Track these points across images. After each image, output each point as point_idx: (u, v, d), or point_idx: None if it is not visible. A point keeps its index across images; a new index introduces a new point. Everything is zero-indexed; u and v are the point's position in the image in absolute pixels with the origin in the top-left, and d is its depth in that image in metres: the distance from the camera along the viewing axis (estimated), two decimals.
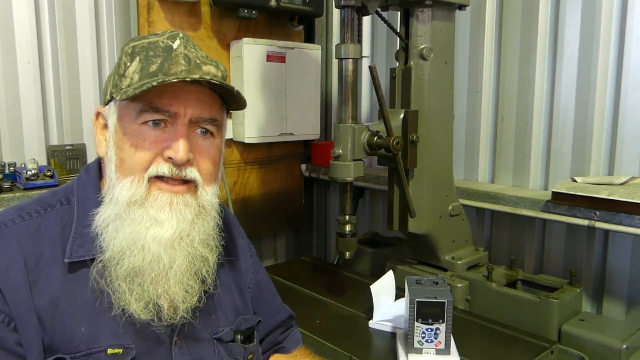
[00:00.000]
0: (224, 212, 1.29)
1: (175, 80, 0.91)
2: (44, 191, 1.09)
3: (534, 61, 1.98)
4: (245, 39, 2.23)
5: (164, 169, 0.95)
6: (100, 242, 0.95)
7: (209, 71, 0.98)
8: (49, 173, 1.82)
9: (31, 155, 1.94)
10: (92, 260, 0.96)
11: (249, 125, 2.30)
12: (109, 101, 1.00)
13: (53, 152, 1.97)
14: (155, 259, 0.95)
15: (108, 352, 0.95)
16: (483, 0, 2.10)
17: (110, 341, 0.95)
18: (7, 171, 1.83)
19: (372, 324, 1.61)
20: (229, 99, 1.03)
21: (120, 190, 0.95)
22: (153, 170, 0.95)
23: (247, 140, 2.31)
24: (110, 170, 0.99)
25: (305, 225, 2.84)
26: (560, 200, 1.74)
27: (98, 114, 1.04)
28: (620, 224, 1.63)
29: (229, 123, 2.33)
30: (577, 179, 1.78)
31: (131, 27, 2.08)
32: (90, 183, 1.03)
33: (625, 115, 1.78)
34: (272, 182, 2.56)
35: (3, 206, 1.67)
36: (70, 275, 0.96)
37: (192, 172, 0.98)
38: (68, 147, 1.99)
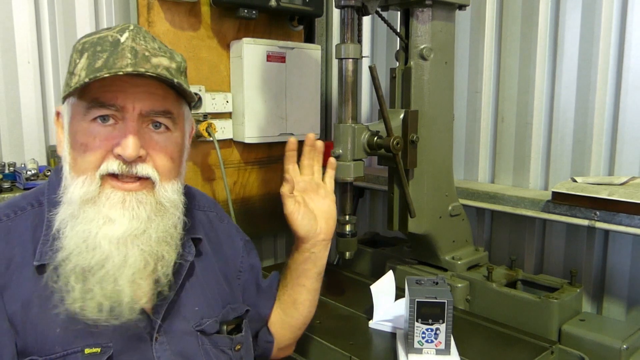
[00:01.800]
0: (205, 200, 1.27)
1: (107, 75, 0.89)
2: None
3: (534, 61, 1.98)
4: (245, 39, 2.23)
5: (113, 166, 0.94)
6: (58, 243, 0.94)
7: (159, 63, 0.95)
8: (48, 173, 1.82)
9: (31, 155, 1.93)
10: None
11: (249, 125, 2.29)
12: (64, 99, 0.98)
13: (53, 152, 1.97)
14: (106, 258, 0.93)
15: (85, 352, 0.94)
16: (483, 0, 2.10)
17: (87, 341, 0.95)
18: (7, 171, 1.83)
19: (372, 324, 1.61)
20: (183, 92, 1.01)
21: (73, 189, 0.94)
22: (104, 169, 0.94)
23: (247, 140, 2.31)
24: (65, 170, 0.97)
25: None
26: (561, 200, 1.74)
27: (58, 114, 1.02)
28: (620, 224, 1.63)
29: (229, 123, 2.33)
30: (577, 179, 1.78)
31: None
32: (59, 184, 1.01)
33: (625, 115, 1.78)
34: (272, 182, 2.56)
35: None
36: (41, 278, 0.94)
37: (144, 169, 0.96)
38: None
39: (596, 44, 1.83)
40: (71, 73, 0.96)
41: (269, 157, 2.53)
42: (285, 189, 1.22)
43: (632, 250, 1.79)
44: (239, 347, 1.15)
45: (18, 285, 0.94)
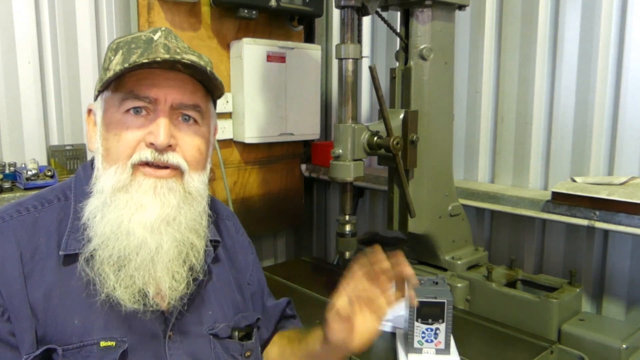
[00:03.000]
0: (224, 209, 1.29)
1: (146, 61, 0.93)
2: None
3: (534, 61, 1.98)
4: (245, 39, 2.23)
5: (146, 154, 0.96)
6: (89, 232, 0.96)
7: (190, 59, 0.98)
8: (49, 173, 1.82)
9: (31, 155, 1.94)
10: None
11: (249, 125, 2.30)
12: (97, 96, 1.02)
13: (53, 152, 1.97)
14: (140, 244, 0.95)
15: (101, 345, 0.96)
16: (483, 0, 2.10)
17: (103, 334, 0.96)
18: (7, 171, 1.83)
19: None
20: (211, 86, 1.04)
21: (105, 179, 0.97)
22: (136, 157, 0.97)
23: (247, 141, 2.31)
24: (97, 161, 1.01)
25: (305, 225, 2.84)
26: (560, 200, 1.75)
27: (90, 111, 1.07)
28: (620, 224, 1.63)
29: (229, 123, 2.34)
30: (577, 179, 1.78)
31: (131, 27, 2.08)
32: (87, 179, 1.04)
33: (625, 115, 1.78)
34: (272, 182, 2.56)
35: None
36: (65, 269, 0.97)
37: (175, 157, 0.99)
38: (68, 147, 2.00)
39: (596, 44, 1.83)
40: (106, 69, 0.99)
41: (269, 157, 2.53)
42: (341, 306, 1.06)
43: (632, 250, 1.79)
44: (249, 353, 1.15)
45: (41, 274, 0.96)
